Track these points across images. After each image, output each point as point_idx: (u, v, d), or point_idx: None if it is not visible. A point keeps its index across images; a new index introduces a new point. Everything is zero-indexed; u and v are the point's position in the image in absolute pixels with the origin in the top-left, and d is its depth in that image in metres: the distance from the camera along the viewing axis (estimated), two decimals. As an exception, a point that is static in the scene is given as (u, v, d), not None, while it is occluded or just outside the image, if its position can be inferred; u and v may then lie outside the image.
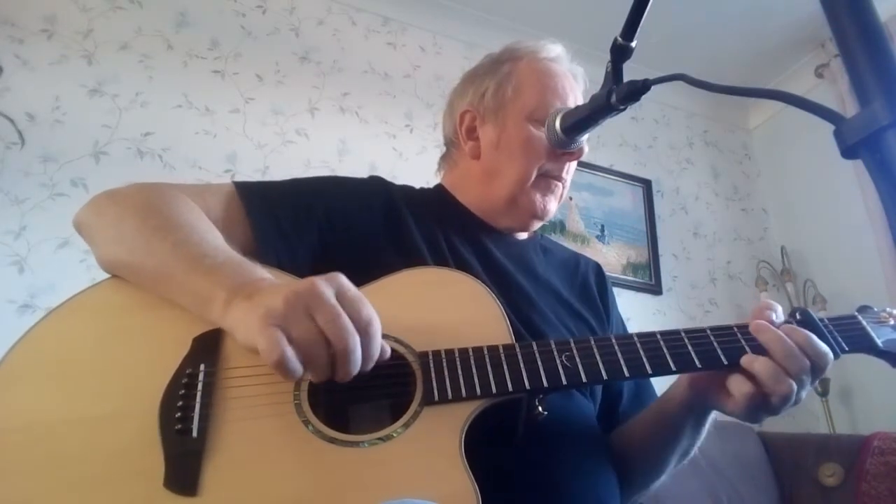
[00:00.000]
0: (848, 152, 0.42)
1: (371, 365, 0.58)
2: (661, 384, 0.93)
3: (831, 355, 0.68)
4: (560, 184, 0.98)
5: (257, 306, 0.56)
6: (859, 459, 1.95)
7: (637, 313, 2.65)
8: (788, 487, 2.08)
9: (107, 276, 0.73)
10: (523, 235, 1.05)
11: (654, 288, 2.76)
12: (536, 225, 1.01)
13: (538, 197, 0.96)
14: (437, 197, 1.03)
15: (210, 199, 0.80)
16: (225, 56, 2.30)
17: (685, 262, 2.94)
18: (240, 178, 2.12)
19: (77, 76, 2.02)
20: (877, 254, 2.52)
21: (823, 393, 2.56)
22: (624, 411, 0.93)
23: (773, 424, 2.62)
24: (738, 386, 0.68)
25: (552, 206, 0.98)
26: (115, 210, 0.74)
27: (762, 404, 0.67)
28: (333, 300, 0.56)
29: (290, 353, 0.54)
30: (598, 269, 1.09)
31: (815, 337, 0.68)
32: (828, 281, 2.78)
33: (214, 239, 0.70)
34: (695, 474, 1.92)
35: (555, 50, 1.02)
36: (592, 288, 1.03)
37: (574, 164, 1.00)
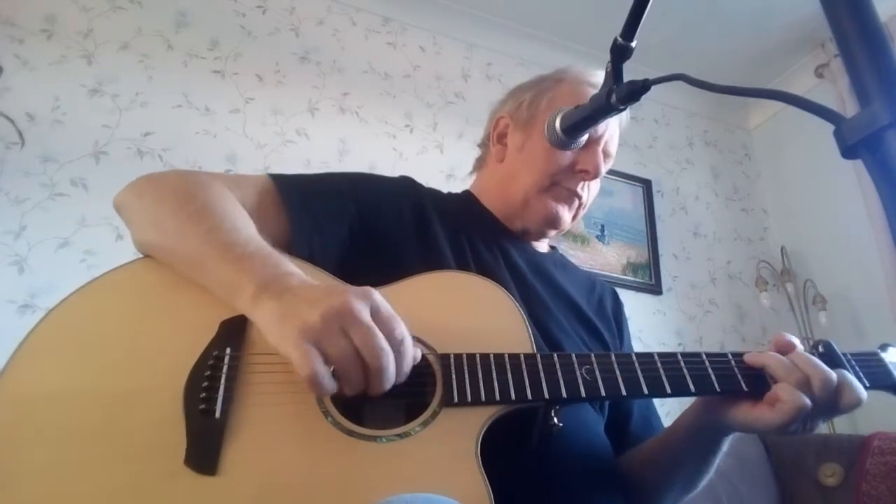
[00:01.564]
0: (848, 152, 0.42)
1: (402, 380, 0.59)
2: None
3: (831, 371, 0.67)
4: (575, 198, 1.00)
5: (292, 316, 0.57)
6: (859, 459, 1.95)
7: (637, 313, 2.65)
8: (788, 487, 2.08)
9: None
10: (543, 248, 1.07)
11: (654, 288, 2.76)
12: (551, 233, 1.03)
13: (551, 202, 0.98)
14: (464, 203, 1.06)
15: (246, 189, 0.82)
16: (225, 56, 2.30)
17: (685, 262, 2.94)
18: (240, 178, 2.12)
19: (77, 76, 2.02)
20: (877, 254, 2.52)
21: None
22: (633, 432, 0.94)
23: (773, 424, 2.62)
24: (789, 394, 0.66)
25: (565, 215, 0.99)
26: (153, 194, 0.76)
27: (807, 413, 0.66)
28: (369, 318, 0.57)
29: (324, 370, 0.55)
30: (613, 293, 1.10)
31: (812, 361, 0.69)
32: (828, 281, 2.78)
33: (246, 228, 0.71)
34: (695, 474, 1.92)
35: (599, 76, 1.02)
36: (608, 308, 1.05)
37: (593, 185, 1.02)
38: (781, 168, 3.27)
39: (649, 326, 2.65)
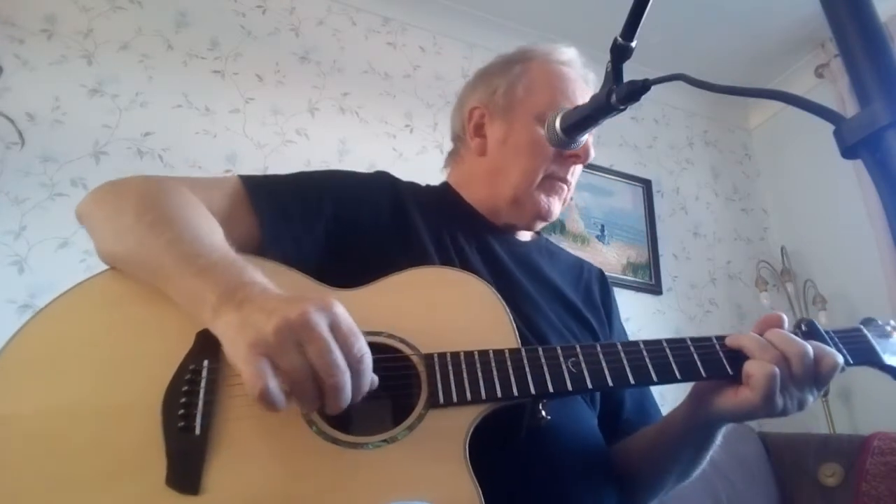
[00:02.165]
0: (848, 152, 0.42)
1: (359, 398, 0.57)
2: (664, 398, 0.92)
3: (806, 345, 0.67)
4: (565, 186, 0.99)
5: (247, 327, 0.54)
6: (859, 459, 1.95)
7: (637, 313, 2.65)
8: (788, 487, 2.08)
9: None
10: (527, 237, 1.05)
11: (654, 288, 2.76)
12: (540, 225, 1.01)
13: (543, 198, 0.96)
14: (443, 195, 1.03)
15: (214, 192, 0.79)
16: (225, 56, 2.30)
17: (685, 262, 2.94)
18: (240, 178, 2.12)
19: (77, 76, 2.02)
20: (877, 254, 2.52)
21: (823, 393, 2.56)
22: (628, 420, 0.93)
23: (773, 424, 2.62)
24: (756, 366, 0.66)
25: (556, 207, 0.98)
26: (113, 203, 0.73)
27: (781, 387, 0.66)
28: (326, 333, 0.54)
29: (274, 385, 0.52)
30: (601, 275, 1.08)
31: (789, 337, 0.69)
32: (828, 281, 2.78)
33: (210, 235, 0.68)
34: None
35: (568, 53, 1.03)
36: (595, 294, 1.03)
37: (580, 167, 1.01)
38: (781, 168, 3.26)
39: (649, 326, 2.65)
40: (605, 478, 0.80)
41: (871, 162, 0.40)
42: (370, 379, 0.57)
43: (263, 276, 0.63)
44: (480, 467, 0.59)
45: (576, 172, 1.00)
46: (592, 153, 0.97)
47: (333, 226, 0.84)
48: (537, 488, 0.71)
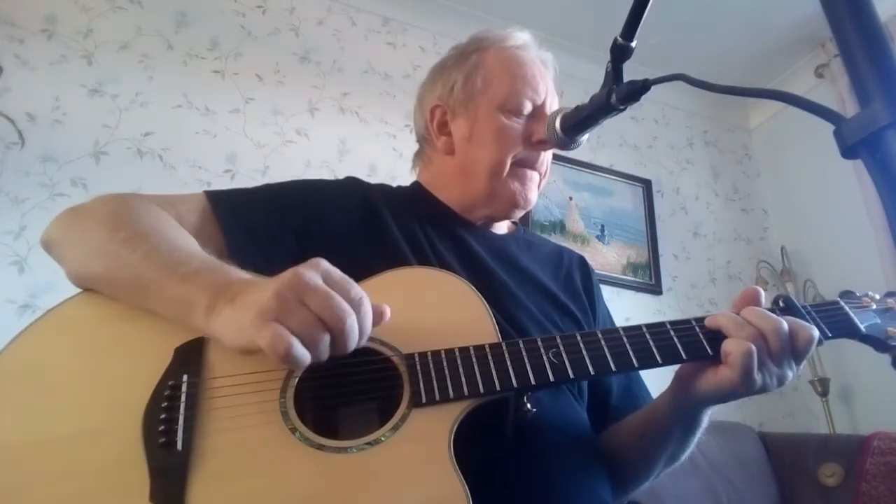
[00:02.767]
0: (848, 152, 0.42)
1: (364, 340, 0.59)
2: (654, 382, 0.92)
3: (781, 320, 0.68)
4: (536, 173, 0.98)
5: (247, 307, 0.56)
6: (859, 459, 1.95)
7: (637, 313, 2.65)
8: (788, 487, 2.08)
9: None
10: (504, 230, 1.04)
11: (654, 288, 2.76)
12: (518, 214, 1.00)
13: (516, 185, 0.95)
14: (415, 194, 1.02)
15: (181, 207, 0.80)
16: (225, 56, 2.30)
17: (685, 262, 2.94)
18: (240, 178, 2.13)
19: (77, 76, 2.02)
20: (877, 254, 2.52)
21: (823, 393, 2.56)
22: (616, 405, 0.93)
23: (773, 424, 2.62)
24: (732, 343, 0.67)
25: (532, 194, 0.97)
26: (81, 225, 0.74)
27: (758, 364, 0.67)
28: (322, 283, 0.56)
29: (296, 341, 0.54)
30: (581, 261, 1.08)
31: (764, 313, 0.69)
32: (828, 281, 2.78)
33: (187, 245, 0.69)
34: (695, 474, 1.93)
35: (521, 37, 1.02)
36: (577, 281, 1.02)
37: (549, 154, 1.00)
38: (781, 168, 3.27)
39: (649, 326, 2.65)
40: (595, 467, 0.80)
41: (871, 162, 0.40)
42: (371, 317, 0.59)
43: (247, 273, 0.64)
44: (468, 464, 0.59)
45: (546, 159, 0.99)
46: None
47: (304, 235, 0.84)
48: (526, 481, 0.71)
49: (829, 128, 0.44)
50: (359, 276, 0.73)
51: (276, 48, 2.40)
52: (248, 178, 2.14)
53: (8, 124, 1.85)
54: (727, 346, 0.67)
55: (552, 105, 0.99)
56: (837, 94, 2.80)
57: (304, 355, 0.54)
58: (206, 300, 0.59)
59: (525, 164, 0.96)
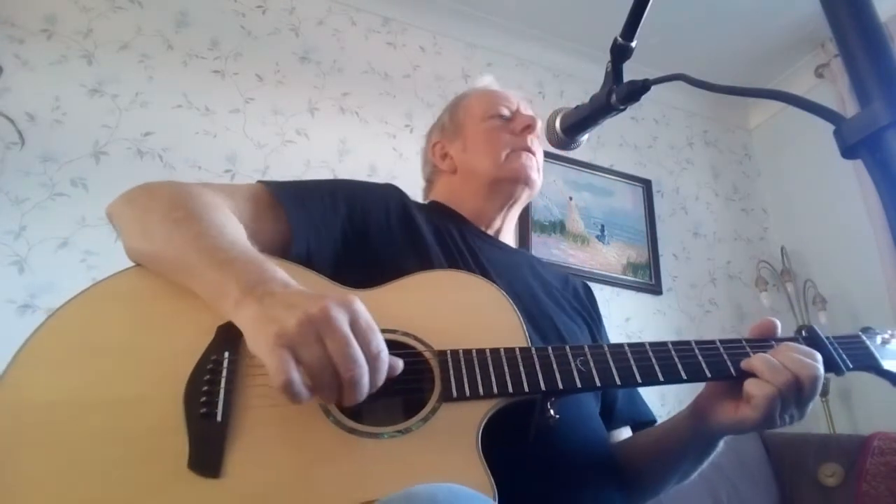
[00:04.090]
0: (848, 152, 0.42)
1: (374, 390, 0.59)
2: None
3: (818, 366, 0.69)
4: (532, 154, 1.07)
5: (269, 321, 0.56)
6: (859, 459, 1.95)
7: (637, 313, 2.65)
8: (788, 487, 2.08)
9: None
10: (511, 242, 1.12)
11: (654, 288, 2.76)
12: (526, 193, 1.08)
13: (517, 164, 1.05)
14: (437, 207, 1.10)
15: (238, 198, 0.83)
16: (225, 56, 2.30)
17: (685, 262, 2.94)
18: (240, 178, 2.13)
19: (77, 76, 2.02)
20: (877, 254, 2.51)
21: (823, 393, 2.56)
22: (621, 411, 0.98)
23: (773, 424, 2.61)
24: (757, 387, 0.68)
25: (534, 173, 1.06)
26: (143, 202, 0.76)
27: (779, 405, 0.68)
28: (346, 328, 0.56)
29: (297, 377, 0.54)
30: (586, 287, 1.15)
31: (800, 349, 0.71)
32: (828, 281, 2.78)
33: (233, 233, 0.71)
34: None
35: (485, 80, 1.24)
36: (584, 300, 1.09)
37: (540, 149, 1.10)
38: (781, 168, 3.26)
39: (649, 326, 2.65)
40: (611, 476, 0.82)
41: (871, 162, 0.41)
42: (384, 375, 0.59)
43: (285, 272, 0.65)
44: (491, 465, 0.60)
45: (535, 142, 1.09)
46: (538, 124, 1.08)
47: (349, 228, 0.87)
48: (546, 485, 0.73)
49: (829, 128, 0.44)
50: (392, 274, 0.77)
51: (276, 48, 2.40)
52: (248, 178, 2.13)
53: (8, 124, 1.85)
54: (751, 388, 0.69)
55: (527, 110, 1.13)
56: (837, 94, 2.80)
57: (301, 394, 0.55)
58: (237, 292, 0.61)
59: (518, 148, 1.06)
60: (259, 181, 0.88)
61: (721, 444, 0.82)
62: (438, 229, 0.96)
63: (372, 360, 0.57)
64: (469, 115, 1.12)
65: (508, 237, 1.12)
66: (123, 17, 2.17)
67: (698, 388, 0.79)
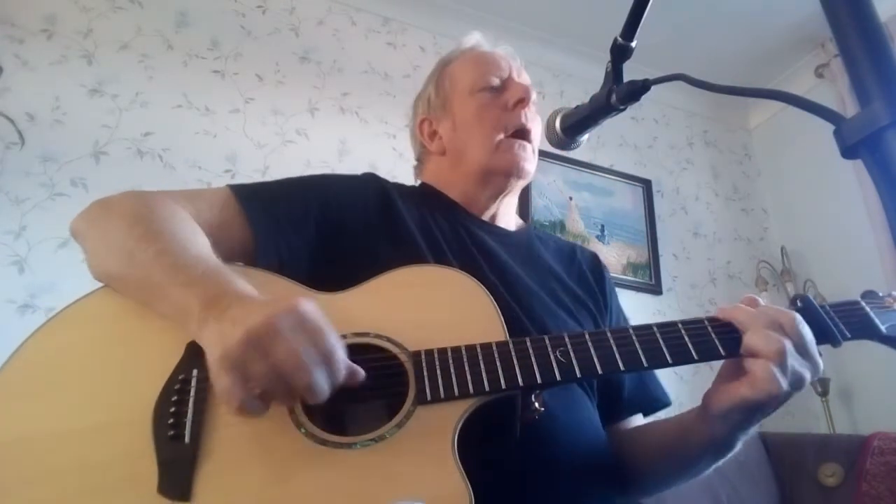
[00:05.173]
0: (848, 152, 0.42)
1: (336, 389, 0.58)
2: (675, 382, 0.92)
3: (801, 320, 0.66)
4: (527, 142, 0.99)
5: (216, 342, 0.56)
6: (859, 459, 1.95)
7: (637, 313, 2.65)
8: (788, 487, 2.08)
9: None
10: (513, 226, 1.05)
11: (654, 288, 2.76)
12: (518, 184, 1.00)
13: (509, 155, 0.96)
14: (424, 191, 1.04)
15: (202, 203, 0.80)
16: (225, 56, 2.30)
17: (685, 262, 2.94)
18: (240, 178, 2.13)
19: (77, 76, 2.02)
20: (877, 254, 2.52)
21: (823, 393, 2.56)
22: (629, 399, 0.92)
23: (773, 424, 2.62)
24: (754, 363, 0.64)
25: (528, 164, 0.98)
26: (104, 219, 0.74)
27: (781, 376, 0.63)
28: (289, 335, 0.55)
29: (247, 398, 0.54)
30: (594, 258, 1.08)
31: (779, 308, 0.68)
32: (828, 281, 2.78)
33: (196, 247, 0.69)
34: (695, 474, 1.92)
35: (472, 39, 1.10)
36: (588, 276, 1.02)
37: (534, 116, 1.01)
38: (781, 168, 3.26)
39: (649, 326, 2.65)
40: (604, 472, 0.79)
41: (871, 162, 0.41)
42: (342, 372, 0.58)
43: (248, 284, 0.63)
44: (475, 464, 0.58)
45: (529, 116, 1.00)
46: (532, 92, 1.00)
47: (324, 227, 0.84)
48: (534, 484, 0.71)
49: (829, 128, 0.44)
50: (374, 269, 0.74)
51: (276, 48, 2.40)
52: (248, 178, 2.13)
53: (8, 124, 1.85)
54: (750, 363, 0.64)
55: (521, 77, 1.03)
56: (837, 94, 2.80)
57: (257, 411, 0.55)
58: (198, 310, 0.59)
59: (514, 133, 0.97)
60: (228, 185, 0.85)
61: (739, 444, 0.77)
62: (424, 218, 0.91)
63: (327, 357, 0.56)
64: (455, 89, 1.03)
65: (507, 219, 1.05)
66: (123, 17, 2.17)
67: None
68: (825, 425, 2.55)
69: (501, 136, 0.96)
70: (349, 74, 2.51)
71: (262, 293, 0.63)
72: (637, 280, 2.73)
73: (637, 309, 2.66)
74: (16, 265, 1.76)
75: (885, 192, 0.40)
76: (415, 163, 1.14)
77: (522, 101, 0.98)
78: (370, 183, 0.96)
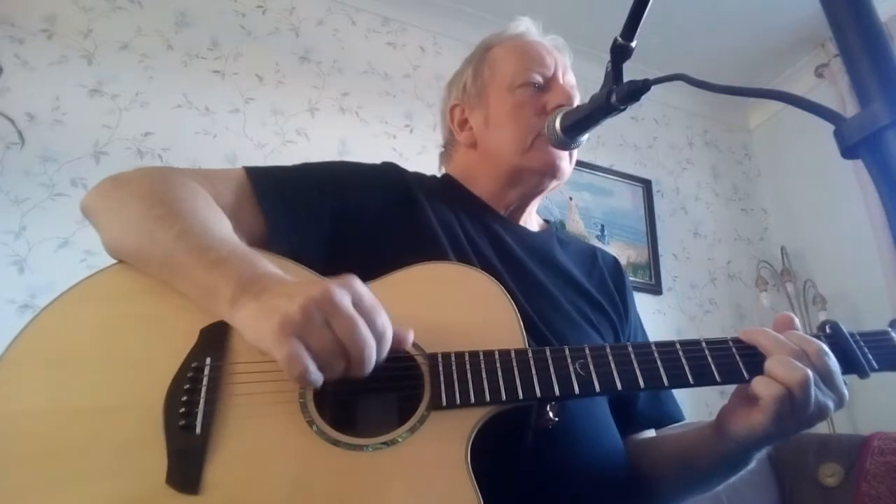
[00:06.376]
0: (848, 152, 0.42)
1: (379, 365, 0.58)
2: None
3: (827, 351, 0.64)
4: None
5: (271, 312, 0.54)
6: (859, 459, 1.95)
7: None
8: (788, 487, 2.08)
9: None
10: (535, 227, 1.03)
11: (654, 288, 2.76)
12: (550, 184, 0.97)
13: (543, 155, 0.92)
14: (448, 184, 1.01)
15: (219, 184, 0.78)
16: (225, 56, 2.30)
17: (685, 262, 2.94)
18: (240, 178, 2.12)
19: (77, 76, 2.02)
20: (877, 254, 2.52)
21: (823, 393, 2.56)
22: (643, 413, 0.91)
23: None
24: (764, 387, 0.62)
25: (563, 163, 0.94)
26: (119, 196, 0.72)
27: (791, 408, 0.63)
28: (351, 308, 0.55)
29: (312, 365, 0.53)
30: (616, 263, 1.06)
31: (805, 336, 0.66)
32: (828, 281, 2.78)
33: (220, 229, 0.68)
34: (695, 474, 1.92)
35: (522, 25, 1.05)
36: (609, 282, 1.00)
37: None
38: (781, 168, 3.26)
39: (649, 326, 2.61)
40: (620, 482, 0.77)
41: (871, 162, 0.40)
42: (387, 350, 0.58)
43: (275, 266, 0.63)
44: (486, 473, 0.57)
45: None
46: (575, 97, 0.94)
47: (340, 215, 0.83)
48: (546, 493, 0.69)
49: (829, 128, 0.44)
50: (390, 264, 0.72)
51: (276, 48, 2.40)
52: (248, 178, 2.14)
53: (8, 124, 1.85)
54: (758, 387, 0.63)
55: (565, 77, 0.98)
56: (837, 94, 2.80)
57: (318, 379, 0.54)
58: (230, 291, 0.59)
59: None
60: (244, 167, 0.83)
61: (753, 461, 0.75)
62: (446, 213, 0.89)
63: (379, 336, 0.56)
64: (494, 80, 0.98)
65: (530, 219, 1.02)
66: (123, 17, 2.17)
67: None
68: (825, 425, 2.55)
69: (535, 135, 0.92)
70: (349, 74, 2.51)
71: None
72: (637, 280, 2.73)
73: (637, 309, 2.65)
74: (16, 265, 1.76)
75: (885, 192, 0.39)
76: (440, 148, 1.10)
77: (561, 107, 0.91)
78: (390, 174, 0.94)
